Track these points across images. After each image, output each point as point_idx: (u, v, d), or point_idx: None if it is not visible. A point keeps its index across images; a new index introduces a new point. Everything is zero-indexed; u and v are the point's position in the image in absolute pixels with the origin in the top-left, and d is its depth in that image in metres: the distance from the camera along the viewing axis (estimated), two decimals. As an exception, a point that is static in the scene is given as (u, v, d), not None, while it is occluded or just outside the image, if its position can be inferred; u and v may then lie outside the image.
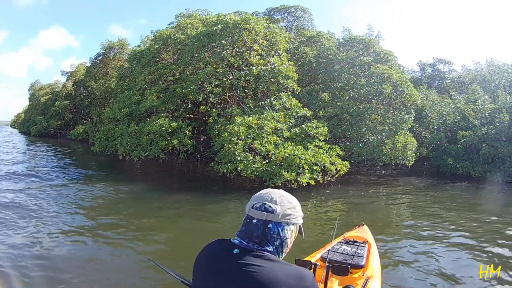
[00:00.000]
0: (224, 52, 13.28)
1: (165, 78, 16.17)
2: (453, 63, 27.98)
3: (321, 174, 10.61)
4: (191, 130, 13.62)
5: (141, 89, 16.00)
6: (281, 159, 10.36)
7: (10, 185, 10.70)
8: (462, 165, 16.58)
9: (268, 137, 10.88)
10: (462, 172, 16.52)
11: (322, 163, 10.63)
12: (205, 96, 13.20)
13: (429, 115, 19.22)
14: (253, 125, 11.03)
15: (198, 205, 9.39)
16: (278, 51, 13.78)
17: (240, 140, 10.71)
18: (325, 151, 11.25)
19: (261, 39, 13.45)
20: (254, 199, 1.47)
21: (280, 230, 1.41)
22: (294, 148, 10.56)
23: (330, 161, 10.95)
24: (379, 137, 14.05)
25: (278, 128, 11.44)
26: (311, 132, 11.64)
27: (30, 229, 6.47)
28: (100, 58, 31.81)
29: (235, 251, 1.37)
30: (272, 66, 12.65)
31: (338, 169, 11.09)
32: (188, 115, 15.01)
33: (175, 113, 14.60)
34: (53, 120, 39.12)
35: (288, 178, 9.88)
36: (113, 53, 30.99)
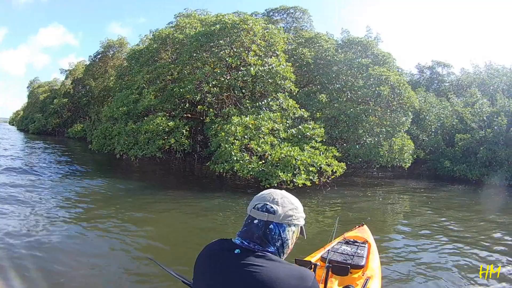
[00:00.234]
0: (222, 52, 13.28)
1: (163, 77, 16.18)
2: (452, 66, 28.00)
3: (317, 175, 10.60)
4: (188, 129, 13.63)
5: (139, 88, 15.99)
6: (277, 159, 10.36)
7: (7, 182, 10.68)
8: (459, 168, 16.58)
9: (265, 137, 10.88)
10: (459, 175, 16.53)
11: (318, 164, 10.63)
12: (202, 95, 13.21)
13: (427, 117, 19.22)
14: (250, 125, 11.03)
15: (193, 203, 9.39)
16: (276, 51, 13.79)
17: (237, 140, 10.71)
18: (321, 153, 11.24)
19: (259, 39, 13.46)
20: (256, 200, 1.47)
21: (281, 231, 1.41)
22: (291, 149, 10.55)
23: (326, 162, 10.95)
24: (376, 139, 14.05)
25: (275, 129, 11.45)
26: (307, 133, 11.64)
27: (28, 226, 6.46)
28: (99, 56, 31.82)
29: (236, 251, 1.36)
30: (270, 67, 12.66)
31: (334, 171, 11.08)
32: (185, 115, 15.02)
33: (173, 113, 14.59)
34: (51, 118, 39.08)
35: (284, 179, 9.87)
36: (112, 52, 31.01)
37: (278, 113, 11.93)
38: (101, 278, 4.65)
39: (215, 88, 12.91)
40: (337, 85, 15.50)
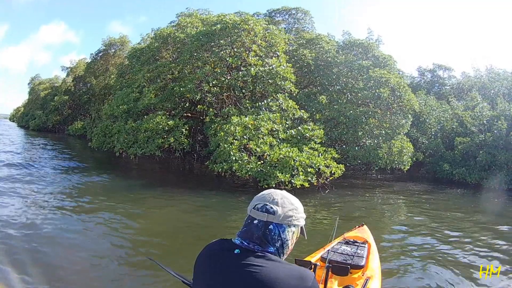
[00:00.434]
0: (222, 52, 13.30)
1: (163, 76, 16.20)
2: (453, 69, 27.95)
3: (315, 176, 10.60)
4: (187, 128, 13.66)
5: (139, 87, 16.03)
6: (275, 160, 10.36)
7: (7, 178, 10.73)
8: (459, 172, 16.57)
9: (264, 138, 10.88)
10: (459, 178, 16.52)
11: (316, 165, 10.63)
12: (202, 95, 13.22)
13: (427, 120, 19.20)
14: (249, 126, 11.04)
15: (191, 202, 9.43)
16: (277, 52, 13.80)
17: (236, 140, 10.71)
18: (320, 154, 11.24)
19: (260, 40, 13.48)
20: (256, 200, 1.47)
21: (281, 231, 1.41)
22: (289, 149, 10.55)
23: (325, 163, 10.95)
24: (375, 141, 14.04)
25: (274, 129, 11.45)
26: (307, 134, 11.64)
27: (27, 223, 6.50)
28: (100, 54, 31.85)
29: (236, 251, 1.36)
30: (270, 67, 12.67)
31: (332, 172, 11.08)
32: (185, 114, 15.04)
33: (173, 112, 14.61)
34: (52, 115, 39.10)
35: (282, 180, 9.87)
36: (113, 50, 31.04)
37: (278, 114, 11.93)
38: (100, 276, 4.65)
39: (215, 88, 12.93)
40: (337, 87, 15.50)
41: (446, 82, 27.56)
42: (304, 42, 17.22)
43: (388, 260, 5.48)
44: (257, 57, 13.00)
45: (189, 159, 17.39)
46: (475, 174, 16.21)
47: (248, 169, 10.18)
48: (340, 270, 2.88)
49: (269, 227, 1.39)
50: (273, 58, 13.42)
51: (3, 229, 6.11)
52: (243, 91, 12.98)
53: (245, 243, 1.39)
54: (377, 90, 13.81)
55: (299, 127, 11.86)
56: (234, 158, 10.33)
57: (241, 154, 10.45)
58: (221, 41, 13.48)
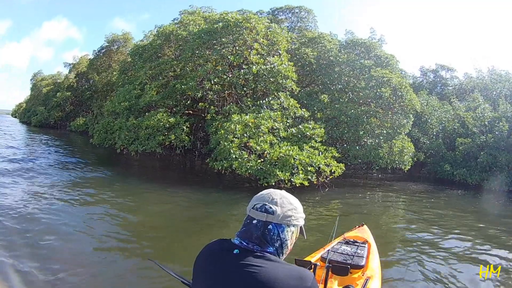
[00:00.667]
0: (224, 50, 13.31)
1: (165, 73, 16.21)
2: (456, 70, 27.87)
3: (315, 175, 10.60)
4: (188, 126, 13.68)
5: (141, 84, 16.03)
6: (275, 158, 10.36)
7: (7, 173, 10.76)
8: (459, 172, 16.54)
9: (264, 136, 10.88)
10: (459, 179, 16.49)
11: (316, 164, 10.63)
12: (204, 93, 13.22)
13: (429, 120, 19.19)
14: (250, 124, 11.04)
15: (191, 199, 9.47)
16: (279, 51, 13.79)
17: (236, 138, 10.71)
18: (320, 152, 11.24)
19: (262, 38, 13.46)
20: (255, 200, 1.46)
21: (280, 231, 1.40)
22: (289, 148, 10.55)
23: (325, 162, 10.95)
24: (376, 141, 14.03)
25: (275, 128, 11.45)
26: (307, 133, 11.64)
27: (27, 221, 6.48)
28: (103, 51, 31.86)
29: (235, 251, 1.36)
30: (272, 66, 12.66)
31: (332, 171, 11.08)
32: (187, 111, 15.05)
33: (174, 109, 14.63)
34: (54, 111, 39.13)
35: (282, 178, 9.88)
36: (116, 46, 31.05)
37: (279, 112, 11.93)
38: (100, 275, 4.65)
39: (216, 86, 12.94)
40: (339, 86, 15.48)
41: (449, 82, 27.50)
42: (306, 40, 17.19)
43: (388, 260, 5.48)
44: (259, 56, 12.99)
45: (190, 156, 17.42)
46: (476, 175, 16.17)
47: (248, 167, 10.18)
48: (340, 270, 2.88)
49: (268, 227, 1.39)
50: (275, 56, 13.41)
51: (4, 223, 6.15)
52: (245, 89, 12.97)
53: (244, 243, 1.39)
54: (379, 90, 13.78)
55: (300, 126, 11.86)
56: (234, 156, 10.33)
57: (241, 152, 10.45)
58: (223, 39, 13.48)
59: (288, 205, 1.43)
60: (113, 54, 31.12)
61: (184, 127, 13.32)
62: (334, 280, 3.25)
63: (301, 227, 1.50)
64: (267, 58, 13.06)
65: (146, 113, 14.28)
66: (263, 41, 13.44)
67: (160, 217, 7.75)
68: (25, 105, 59.78)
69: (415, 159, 16.90)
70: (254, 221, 1.41)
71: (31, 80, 55.94)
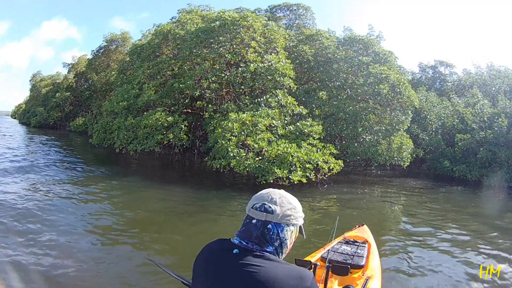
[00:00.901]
0: (221, 49, 13.31)
1: (163, 72, 16.21)
2: (455, 65, 27.82)
3: (313, 172, 10.59)
4: (187, 125, 13.70)
5: (140, 83, 16.05)
6: (273, 156, 10.36)
7: (7, 174, 10.78)
8: (459, 168, 16.50)
9: (262, 134, 10.87)
10: (459, 175, 16.46)
11: (315, 161, 10.62)
12: (202, 91, 13.23)
13: (428, 117, 19.17)
14: (247, 122, 11.03)
15: (190, 198, 9.49)
16: (276, 48, 13.77)
17: (234, 136, 10.71)
18: (318, 150, 11.23)
19: (259, 36, 13.45)
20: (254, 199, 1.46)
21: (279, 231, 1.40)
22: (287, 145, 10.54)
23: (323, 159, 10.94)
24: (375, 137, 14.02)
25: (273, 125, 11.44)
26: (305, 130, 11.61)
27: (23, 225, 6.43)
28: (102, 50, 31.85)
29: (235, 251, 1.36)
30: (269, 64, 12.64)
31: (331, 168, 11.07)
32: (186, 110, 15.06)
33: (173, 108, 14.64)
34: (53, 112, 39.17)
35: (280, 175, 9.88)
36: (115, 46, 31.05)
37: (277, 110, 11.92)
38: (99, 276, 4.65)
39: (214, 84, 12.96)
40: (337, 83, 15.46)
41: (448, 78, 27.46)
42: (304, 38, 17.17)
43: (388, 259, 5.48)
44: (256, 54, 12.98)
45: (189, 155, 17.43)
46: (476, 171, 16.14)
47: (246, 165, 10.17)
48: (340, 270, 2.89)
49: (268, 226, 1.39)
50: (273, 54, 13.39)
51: (4, 223, 6.19)
52: (242, 87, 12.96)
53: (244, 243, 1.39)
54: (377, 86, 13.76)
55: (298, 123, 11.84)
56: (232, 154, 10.33)
57: (239, 150, 10.45)
58: (220, 38, 13.47)
59: (287, 205, 1.43)
60: (111, 53, 31.14)
61: (183, 126, 13.34)
62: (334, 280, 3.25)
63: (300, 227, 1.50)
64: (265, 56, 13.05)
65: (145, 113, 14.31)
66: (261, 39, 13.43)
67: (159, 216, 7.76)
68: (25, 106, 59.79)
69: (414, 155, 16.90)
70: (254, 221, 1.41)
71: (30, 81, 55.97)
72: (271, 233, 1.39)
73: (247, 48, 13.04)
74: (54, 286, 4.26)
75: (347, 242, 4.09)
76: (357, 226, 4.88)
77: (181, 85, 14.00)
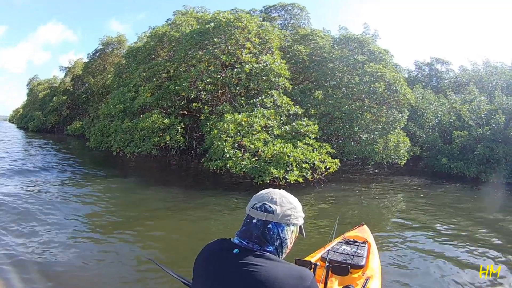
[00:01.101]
0: (216, 50, 13.33)
1: (159, 75, 16.22)
2: (451, 63, 27.83)
3: (310, 171, 10.59)
4: (183, 126, 13.71)
5: (136, 86, 16.06)
6: (269, 156, 10.36)
7: (6, 179, 10.76)
8: (457, 165, 16.48)
9: (258, 134, 10.87)
10: (457, 172, 16.45)
11: (311, 160, 10.62)
12: (197, 93, 13.22)
13: (425, 114, 19.17)
14: (243, 123, 11.03)
15: (187, 199, 9.46)
16: (271, 49, 13.77)
17: (229, 137, 10.72)
18: (315, 149, 11.24)
19: (254, 37, 13.46)
20: (254, 199, 1.47)
21: (280, 230, 1.41)
22: (283, 145, 10.55)
23: (319, 158, 10.94)
24: (371, 136, 14.03)
25: (269, 126, 11.44)
26: (301, 130, 11.62)
27: (23, 226, 6.45)
28: (98, 53, 31.83)
29: (235, 250, 1.36)
30: (264, 64, 12.65)
31: (327, 167, 11.07)
32: (182, 112, 15.06)
33: (169, 110, 14.63)
34: (50, 116, 39.07)
35: (277, 175, 9.88)
36: (111, 49, 31.02)
37: (272, 110, 11.92)
38: (99, 276, 4.65)
39: (210, 86, 12.94)
40: (333, 82, 15.47)
41: (444, 76, 27.47)
42: (299, 38, 17.17)
43: (388, 259, 5.47)
44: (251, 54, 12.99)
45: (186, 156, 17.44)
46: (473, 168, 16.13)
47: (243, 166, 10.18)
48: (340, 270, 2.88)
49: (268, 226, 1.40)
50: (267, 54, 13.39)
51: (3, 225, 6.21)
52: (238, 88, 12.96)
53: (244, 243, 1.39)
54: (373, 85, 13.79)
55: (294, 123, 11.84)
56: (228, 155, 10.34)
57: (235, 151, 10.46)
58: (215, 39, 13.50)
59: (287, 204, 1.43)
60: (107, 56, 31.12)
61: (179, 128, 13.35)
62: (334, 280, 3.25)
63: (300, 226, 1.51)
64: (260, 56, 13.05)
65: (141, 115, 14.31)
66: (255, 40, 13.43)
67: (157, 217, 7.77)
68: (22, 111, 59.69)
69: (411, 153, 16.91)
70: (254, 221, 1.42)
71: (27, 85, 55.83)
72: (271, 233, 1.40)
73: (241, 49, 13.04)
74: (54, 286, 4.27)
75: (347, 242, 4.09)
76: (357, 226, 4.89)
77: (176, 87, 14.01)
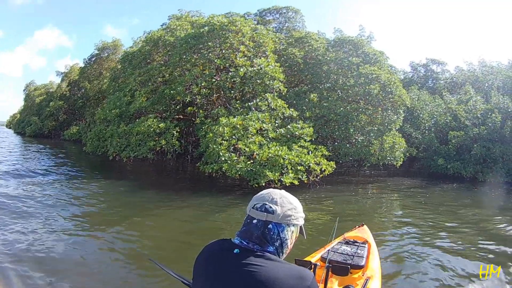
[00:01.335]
0: (211, 54, 13.34)
1: (154, 79, 16.22)
2: (447, 63, 27.93)
3: (305, 174, 10.59)
4: (179, 130, 13.71)
5: (131, 90, 16.09)
6: (265, 159, 10.37)
7: (3, 184, 10.73)
8: (453, 166, 16.54)
9: (253, 137, 10.88)
10: (453, 172, 16.50)
11: (306, 163, 10.62)
12: (192, 97, 13.23)
13: (420, 115, 19.22)
14: (238, 126, 11.04)
15: (184, 203, 9.46)
16: (266, 52, 13.80)
17: (225, 140, 10.72)
18: (310, 152, 11.24)
19: (248, 40, 13.49)
20: (255, 200, 1.47)
21: (280, 231, 1.41)
22: (278, 148, 10.56)
23: (315, 161, 10.95)
24: (367, 138, 14.04)
25: (264, 129, 11.44)
26: (296, 133, 11.63)
27: (24, 226, 6.46)
28: (94, 58, 31.84)
29: (236, 251, 1.37)
30: (259, 68, 12.66)
31: (323, 169, 11.07)
32: (178, 116, 15.07)
33: (164, 114, 14.64)
34: (47, 121, 39.02)
35: (272, 178, 9.88)
36: (106, 54, 31.04)
37: (267, 113, 11.93)
38: (99, 276, 4.65)
39: (204, 90, 12.96)
40: (328, 84, 15.47)
41: (440, 76, 27.56)
42: (293, 41, 17.21)
43: (388, 260, 5.47)
44: (245, 58, 12.99)
45: (182, 160, 17.43)
46: (470, 168, 16.18)
47: (238, 169, 10.17)
48: (340, 270, 2.88)
49: (268, 226, 1.40)
50: (262, 58, 13.41)
51: (3, 226, 6.23)
52: (232, 92, 12.98)
53: (245, 243, 1.40)
54: (368, 87, 13.81)
55: (289, 126, 11.85)
56: (223, 159, 10.34)
57: (230, 155, 10.46)
58: (209, 43, 13.49)
59: (288, 205, 1.44)
60: (103, 61, 31.17)
61: (175, 132, 13.34)
62: (334, 280, 3.24)
63: (301, 227, 1.52)
64: (254, 60, 13.06)
65: (137, 120, 14.31)
66: (249, 43, 13.47)
67: (156, 217, 7.83)
68: (19, 116, 59.66)
69: (408, 154, 16.94)
70: (254, 221, 1.42)
71: (24, 90, 55.81)
72: (271, 233, 1.40)
73: (236, 53, 13.05)
74: (54, 286, 4.26)
75: (347, 243, 4.08)
76: (357, 226, 4.88)
77: (172, 92, 14.03)
